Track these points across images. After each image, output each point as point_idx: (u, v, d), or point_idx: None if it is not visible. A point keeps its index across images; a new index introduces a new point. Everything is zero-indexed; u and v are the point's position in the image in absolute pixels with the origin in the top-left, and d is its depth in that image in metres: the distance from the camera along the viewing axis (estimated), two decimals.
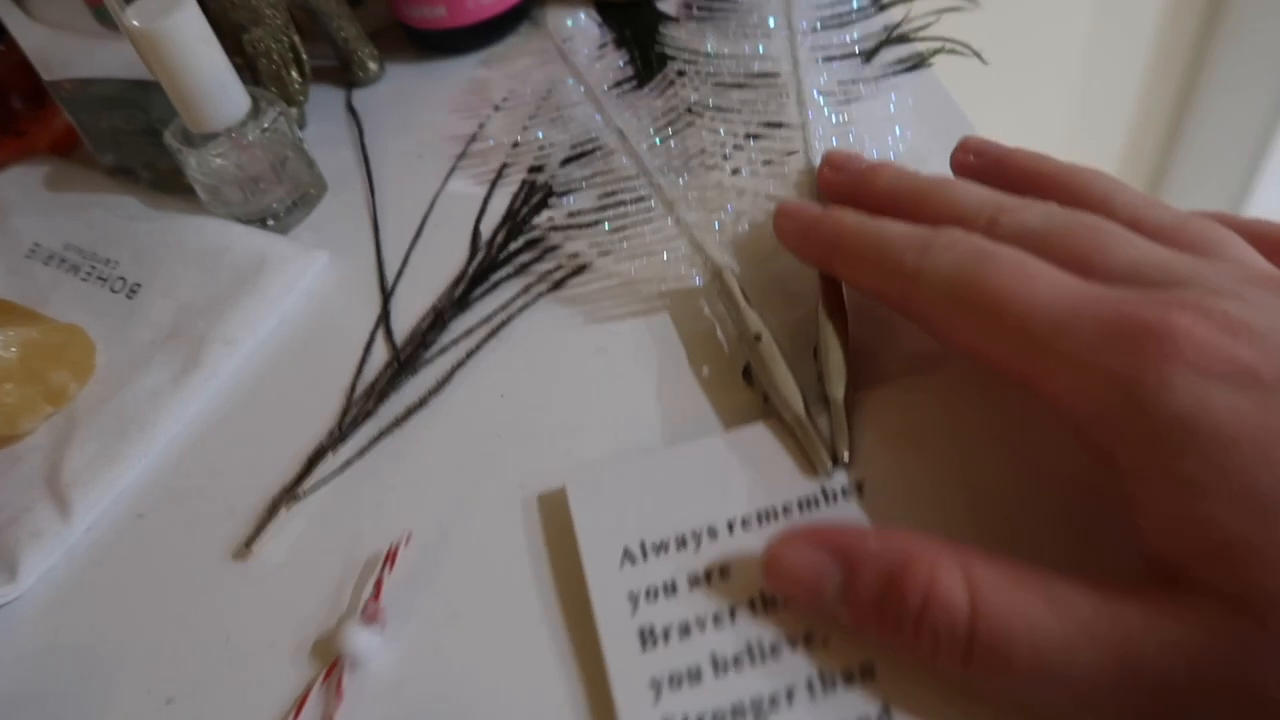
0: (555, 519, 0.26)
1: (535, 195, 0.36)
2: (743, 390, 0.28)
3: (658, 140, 0.35)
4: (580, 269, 0.33)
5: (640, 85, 0.39)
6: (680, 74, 0.38)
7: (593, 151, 0.36)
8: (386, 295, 0.34)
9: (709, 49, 0.38)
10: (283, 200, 0.36)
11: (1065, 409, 0.20)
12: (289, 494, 0.28)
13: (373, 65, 0.42)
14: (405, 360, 0.31)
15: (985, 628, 0.18)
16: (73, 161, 0.41)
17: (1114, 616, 0.18)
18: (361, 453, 0.29)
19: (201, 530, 0.28)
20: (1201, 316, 0.19)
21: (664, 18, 0.42)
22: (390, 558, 0.26)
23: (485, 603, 0.25)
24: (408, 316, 0.33)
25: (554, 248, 0.33)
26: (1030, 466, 0.23)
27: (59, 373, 0.32)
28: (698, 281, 0.30)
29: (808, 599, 0.21)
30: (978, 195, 0.24)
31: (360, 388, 0.31)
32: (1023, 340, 0.20)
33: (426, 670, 0.24)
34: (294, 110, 0.39)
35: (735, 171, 0.33)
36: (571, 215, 0.34)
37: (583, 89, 0.39)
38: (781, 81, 0.36)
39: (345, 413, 0.30)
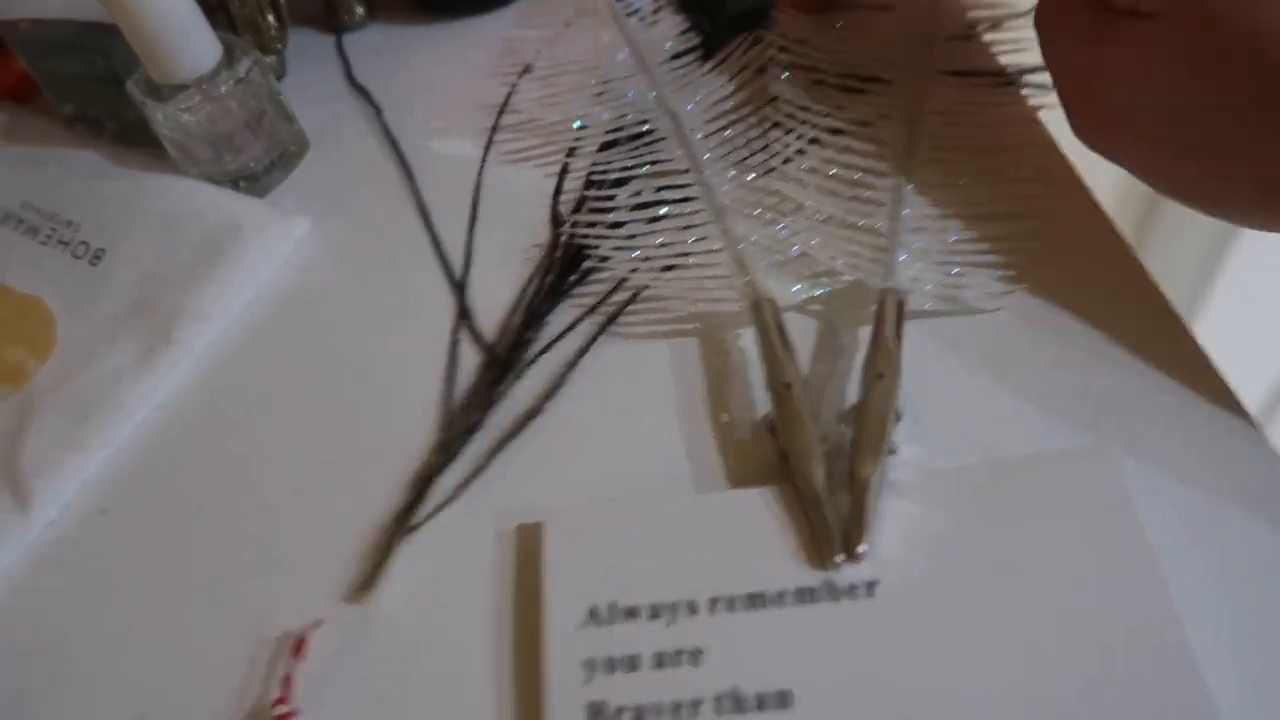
0: (527, 556, 0.23)
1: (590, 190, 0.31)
2: (764, 441, 0.24)
3: (716, 131, 0.30)
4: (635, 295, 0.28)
5: (706, 57, 0.34)
6: (770, 61, 0.32)
7: (641, 136, 0.31)
8: (461, 286, 0.29)
9: (819, 43, 0.32)
10: (260, 159, 0.33)
11: None
12: (402, 525, 0.24)
13: (359, 8, 0.39)
14: (507, 362, 0.27)
15: None
16: (31, 110, 0.38)
17: None
18: (478, 472, 0.25)
19: (168, 528, 0.26)
20: None
21: None
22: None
23: (437, 644, 0.23)
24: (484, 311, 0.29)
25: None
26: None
27: (15, 349, 0.29)
28: (734, 307, 0.26)
29: None
30: None
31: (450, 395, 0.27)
32: None
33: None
34: (271, 58, 0.36)
35: (799, 182, 0.28)
36: (603, 211, 0.30)
37: (634, 60, 0.34)
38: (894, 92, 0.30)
39: (450, 426, 0.26)
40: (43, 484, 0.27)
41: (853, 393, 0.24)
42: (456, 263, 0.30)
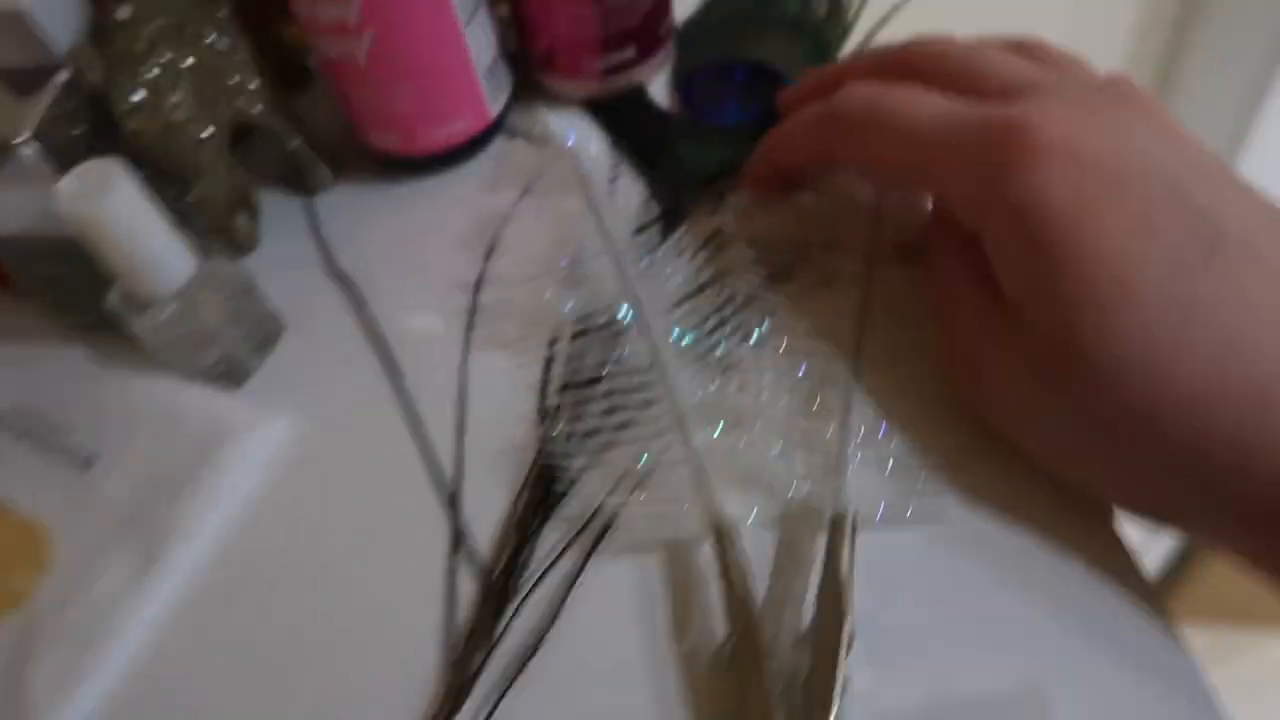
0: None
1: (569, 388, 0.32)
2: (726, 673, 0.25)
3: (675, 328, 0.31)
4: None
5: (668, 226, 0.35)
6: (724, 241, 0.33)
7: (610, 325, 0.32)
8: (454, 502, 0.30)
9: (770, 223, 0.34)
10: (237, 350, 0.35)
11: (948, 195, 0.26)
12: None
13: (325, 172, 0.40)
14: (503, 591, 0.28)
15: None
16: (13, 295, 0.39)
17: None
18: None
19: None
20: (1052, 117, 0.24)
21: (668, 123, 0.39)
22: None
23: None
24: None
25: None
26: None
27: (17, 575, 0.31)
28: (691, 534, 0.27)
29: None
30: (887, 47, 0.31)
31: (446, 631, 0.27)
32: (916, 144, 0.26)
33: None
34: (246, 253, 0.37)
35: (750, 389, 0.30)
36: (576, 418, 0.30)
37: (598, 235, 0.35)
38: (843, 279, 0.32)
39: (459, 671, 0.26)
40: (54, 717, 0.28)
41: (810, 611, 0.26)
42: (444, 463, 0.31)
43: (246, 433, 0.33)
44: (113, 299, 0.32)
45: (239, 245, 0.36)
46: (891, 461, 0.28)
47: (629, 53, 0.39)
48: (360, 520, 0.31)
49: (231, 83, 0.34)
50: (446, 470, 0.31)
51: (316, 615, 0.29)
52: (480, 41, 0.37)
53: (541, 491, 0.29)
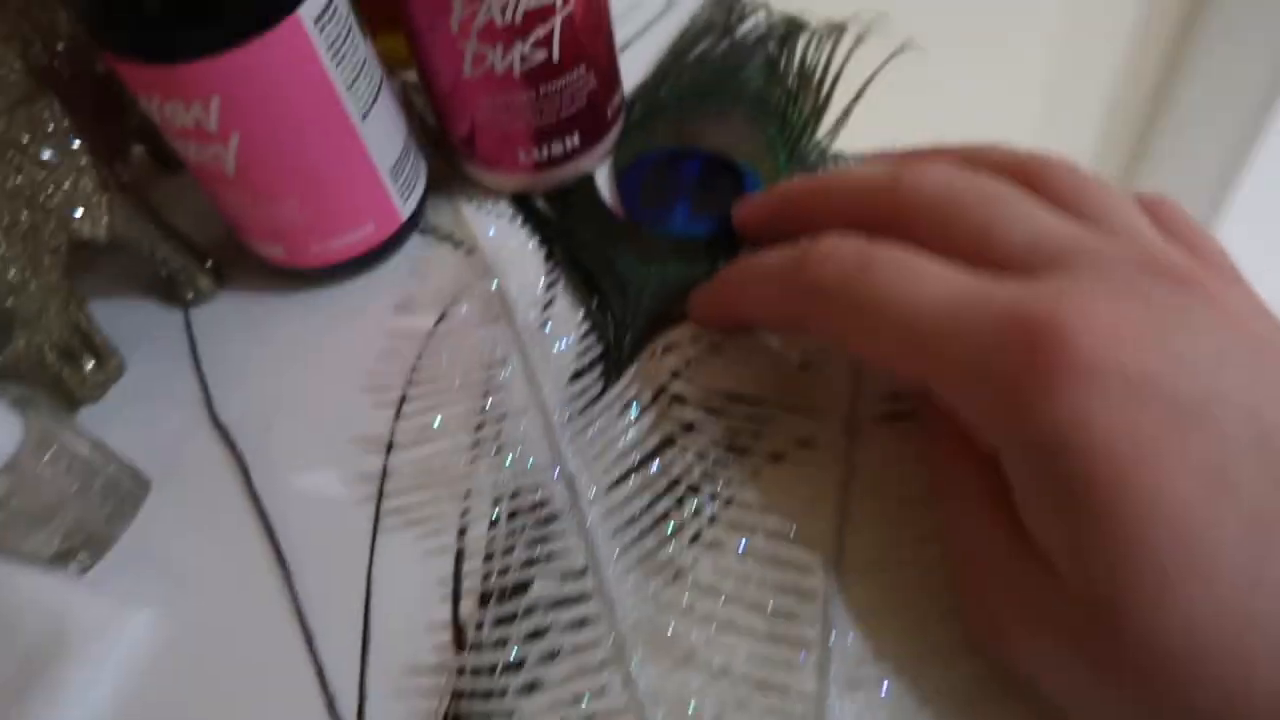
0: None
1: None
2: None
3: (617, 506, 0.26)
4: None
5: (609, 376, 0.29)
6: (674, 400, 0.27)
7: (535, 508, 0.26)
8: None
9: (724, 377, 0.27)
10: (92, 519, 0.28)
11: (956, 406, 0.20)
12: None
13: (205, 283, 0.33)
14: None
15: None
16: None
17: None
18: None
19: None
20: (1092, 311, 0.18)
21: (618, 230, 0.32)
22: None
23: None
24: None
25: None
26: None
27: None
28: None
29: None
30: (874, 174, 0.24)
31: None
32: (915, 344, 0.20)
33: None
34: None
35: (690, 613, 0.24)
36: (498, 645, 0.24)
37: (527, 387, 0.29)
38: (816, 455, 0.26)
39: None
40: None
41: None
42: (339, 686, 0.25)
43: (95, 633, 0.27)
44: None
45: (78, 399, 0.30)
46: (881, 711, 0.22)
47: (571, 141, 0.32)
48: None
49: (63, 201, 0.27)
50: (341, 697, 0.25)
51: None
52: (381, 135, 0.30)
53: None
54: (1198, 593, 0.17)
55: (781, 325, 0.26)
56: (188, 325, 0.34)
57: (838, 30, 0.37)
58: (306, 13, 0.26)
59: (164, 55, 0.25)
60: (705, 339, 0.28)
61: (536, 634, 0.24)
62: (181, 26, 0.25)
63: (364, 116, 0.29)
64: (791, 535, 0.25)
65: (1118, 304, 0.19)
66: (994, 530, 0.20)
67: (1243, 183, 0.89)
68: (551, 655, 0.24)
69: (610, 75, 0.33)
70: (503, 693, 0.23)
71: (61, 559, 0.28)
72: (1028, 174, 0.23)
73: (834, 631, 0.23)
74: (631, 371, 0.28)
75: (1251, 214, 0.92)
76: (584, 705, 0.23)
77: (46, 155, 0.27)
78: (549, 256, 0.32)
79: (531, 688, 0.23)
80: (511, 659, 0.24)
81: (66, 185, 0.28)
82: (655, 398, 0.27)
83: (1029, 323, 0.19)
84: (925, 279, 0.21)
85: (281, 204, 0.29)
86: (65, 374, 0.28)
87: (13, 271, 0.26)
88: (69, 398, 0.29)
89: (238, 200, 0.30)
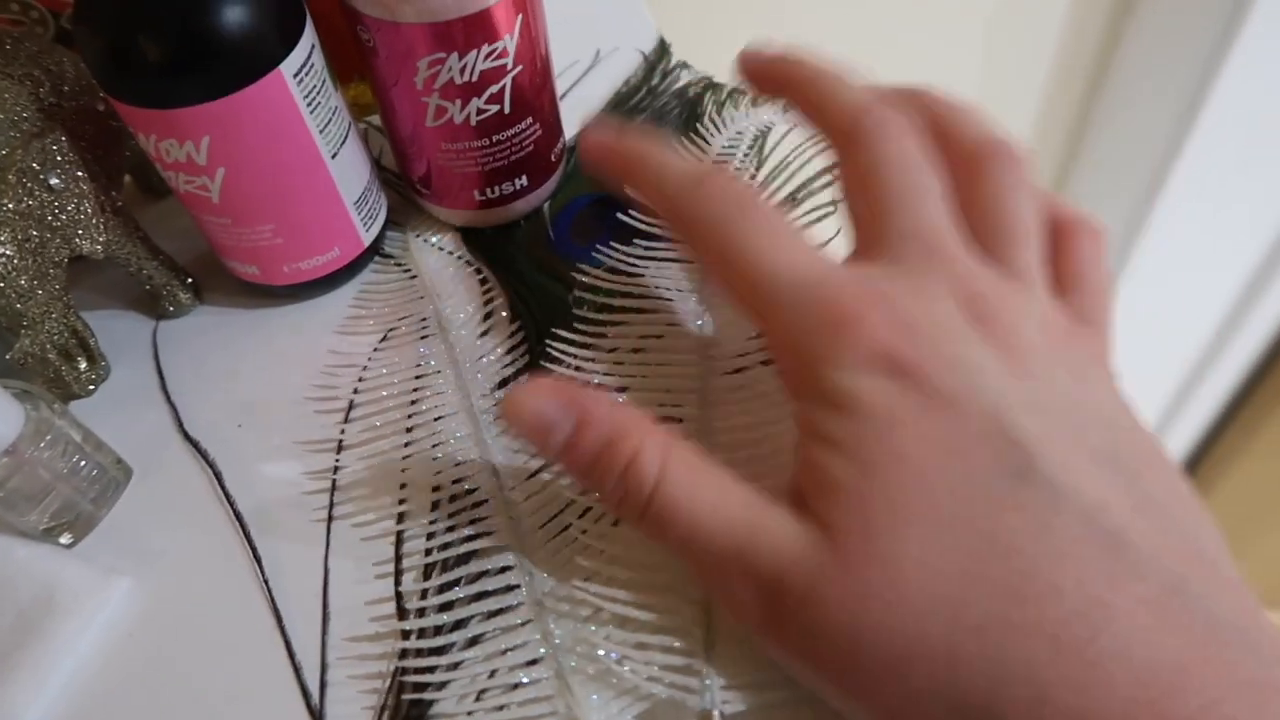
0: None
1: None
2: None
3: (533, 494, 0.30)
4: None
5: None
6: None
7: (462, 497, 0.31)
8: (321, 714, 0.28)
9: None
10: (78, 502, 0.32)
11: (775, 353, 0.26)
12: None
13: (184, 297, 0.38)
14: None
15: (659, 499, 0.23)
16: None
17: (751, 520, 0.23)
18: None
19: None
20: (888, 317, 0.23)
21: (550, 261, 0.37)
22: None
23: None
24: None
25: None
26: None
27: None
28: None
29: (538, 442, 0.25)
30: (859, 95, 0.28)
31: None
32: (756, 296, 0.25)
33: None
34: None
35: (594, 576, 0.28)
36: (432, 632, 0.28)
37: (458, 391, 0.33)
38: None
39: None
40: None
41: None
42: (301, 650, 0.29)
43: (82, 597, 0.31)
44: None
45: (73, 394, 0.34)
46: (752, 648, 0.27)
47: (520, 181, 0.37)
48: (211, 705, 0.29)
49: (67, 220, 0.32)
50: (304, 663, 0.29)
51: None
52: (349, 172, 0.35)
53: (402, 708, 0.28)
54: (932, 536, 0.21)
55: (656, 214, 0.30)
56: (154, 337, 0.38)
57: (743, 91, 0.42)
58: (287, 68, 0.31)
59: (162, 102, 0.30)
60: (606, 347, 0.33)
61: (470, 599, 0.29)
62: (179, 79, 0.30)
63: (333, 156, 0.34)
64: None
65: (920, 308, 0.23)
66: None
67: (1195, 131, 0.93)
68: (486, 617, 0.28)
69: (553, 125, 0.38)
70: (443, 650, 0.28)
71: (51, 534, 0.32)
72: (973, 165, 0.26)
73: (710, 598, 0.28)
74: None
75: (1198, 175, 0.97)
76: (511, 656, 0.27)
77: (54, 182, 0.31)
78: (484, 281, 0.37)
79: (470, 644, 0.28)
80: (450, 621, 0.28)
81: (70, 208, 0.32)
82: None
83: (839, 311, 0.23)
84: (783, 248, 0.25)
85: (259, 229, 0.34)
86: (63, 371, 0.33)
87: (23, 280, 0.30)
88: (64, 392, 0.33)
89: (220, 224, 0.34)
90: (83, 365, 0.33)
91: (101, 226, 0.33)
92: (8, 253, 0.29)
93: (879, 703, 0.21)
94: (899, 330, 0.23)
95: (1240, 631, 0.20)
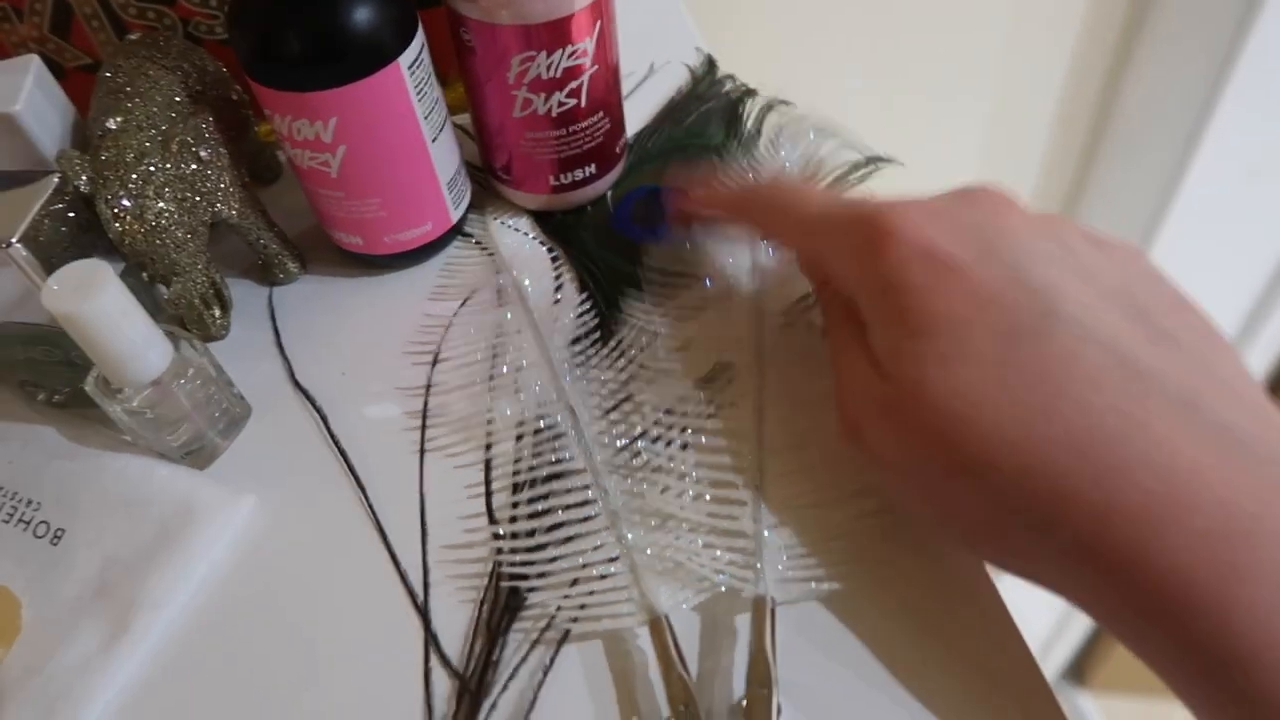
0: None
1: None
2: None
3: (607, 429, 0.35)
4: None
5: (604, 341, 0.39)
6: (626, 353, 0.38)
7: (543, 431, 0.36)
8: (425, 613, 0.33)
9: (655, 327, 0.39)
10: (207, 431, 0.37)
11: (829, 269, 0.31)
12: None
13: (293, 266, 0.43)
14: (478, 691, 0.30)
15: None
16: None
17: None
18: None
19: None
20: (913, 218, 0.28)
21: (614, 240, 0.43)
22: None
23: None
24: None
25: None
26: None
27: None
28: (632, 625, 0.31)
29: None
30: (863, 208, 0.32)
31: None
32: (803, 227, 0.33)
33: None
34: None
35: (666, 491, 0.33)
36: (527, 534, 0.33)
37: (536, 345, 0.39)
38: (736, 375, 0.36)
39: None
40: None
41: (739, 683, 0.29)
42: (406, 561, 0.34)
43: (215, 510, 0.36)
44: (90, 383, 0.35)
45: (211, 336, 0.39)
46: (799, 542, 0.32)
47: (587, 170, 0.43)
48: (328, 606, 0.33)
49: (211, 188, 0.37)
50: (409, 569, 0.34)
51: (282, 692, 0.32)
52: (444, 156, 0.41)
53: (502, 598, 0.32)
54: (968, 373, 0.25)
55: (732, 217, 0.38)
56: (269, 299, 0.43)
57: (780, 101, 0.48)
58: (403, 61, 0.37)
59: (301, 86, 0.35)
60: (671, 314, 0.39)
61: (554, 511, 0.34)
62: (317, 68, 0.35)
63: (434, 140, 0.39)
64: (727, 434, 0.34)
65: (930, 211, 0.28)
66: (854, 355, 0.30)
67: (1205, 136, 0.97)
68: (563, 525, 0.33)
69: (619, 121, 0.43)
70: (540, 548, 0.33)
71: (185, 458, 0.37)
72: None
73: (763, 489, 0.33)
74: (619, 337, 0.39)
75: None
76: (595, 554, 0.32)
77: (204, 154, 0.37)
78: (556, 258, 0.43)
79: (565, 542, 0.33)
80: (544, 525, 0.33)
81: (214, 177, 0.37)
82: (635, 353, 0.38)
83: (875, 218, 0.29)
84: (814, 195, 0.33)
85: (368, 201, 0.39)
86: (204, 315, 0.38)
87: (179, 232, 0.36)
88: (204, 334, 0.38)
89: (335, 198, 0.40)
90: (218, 313, 0.39)
91: (236, 197, 0.39)
92: (170, 208, 0.35)
93: (937, 506, 0.27)
94: (926, 227, 0.28)
95: (1250, 437, 0.23)
